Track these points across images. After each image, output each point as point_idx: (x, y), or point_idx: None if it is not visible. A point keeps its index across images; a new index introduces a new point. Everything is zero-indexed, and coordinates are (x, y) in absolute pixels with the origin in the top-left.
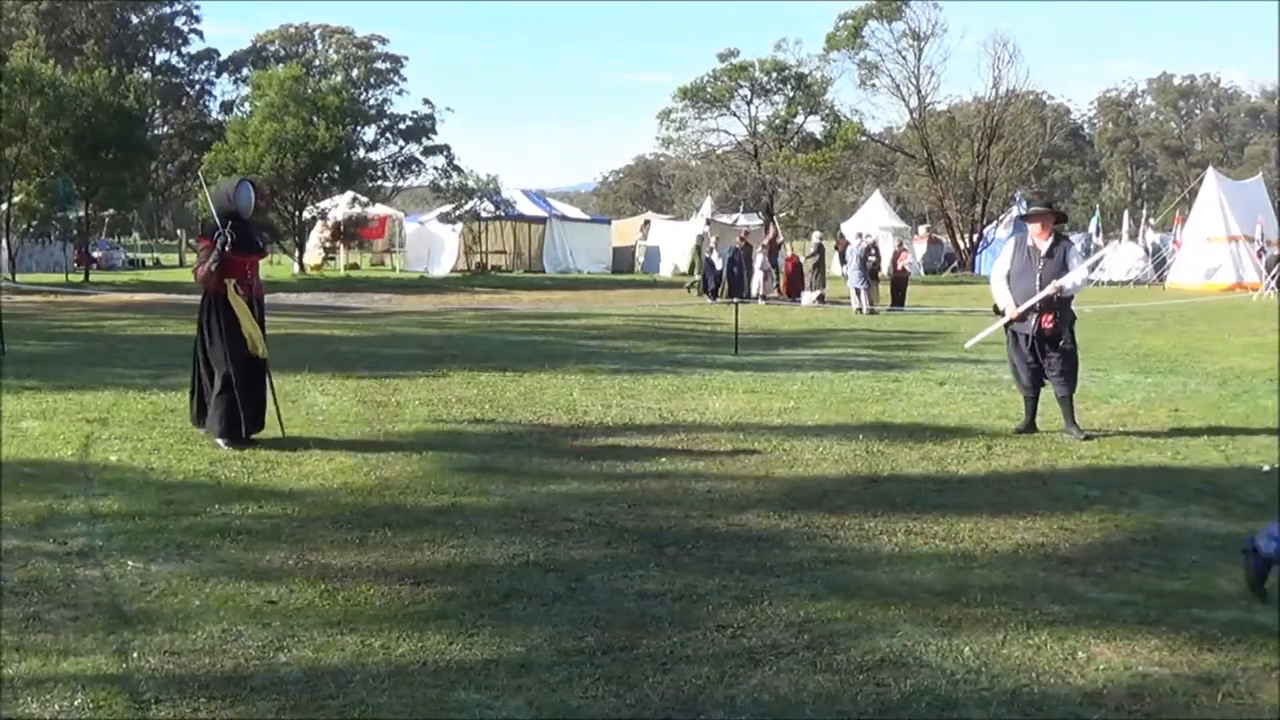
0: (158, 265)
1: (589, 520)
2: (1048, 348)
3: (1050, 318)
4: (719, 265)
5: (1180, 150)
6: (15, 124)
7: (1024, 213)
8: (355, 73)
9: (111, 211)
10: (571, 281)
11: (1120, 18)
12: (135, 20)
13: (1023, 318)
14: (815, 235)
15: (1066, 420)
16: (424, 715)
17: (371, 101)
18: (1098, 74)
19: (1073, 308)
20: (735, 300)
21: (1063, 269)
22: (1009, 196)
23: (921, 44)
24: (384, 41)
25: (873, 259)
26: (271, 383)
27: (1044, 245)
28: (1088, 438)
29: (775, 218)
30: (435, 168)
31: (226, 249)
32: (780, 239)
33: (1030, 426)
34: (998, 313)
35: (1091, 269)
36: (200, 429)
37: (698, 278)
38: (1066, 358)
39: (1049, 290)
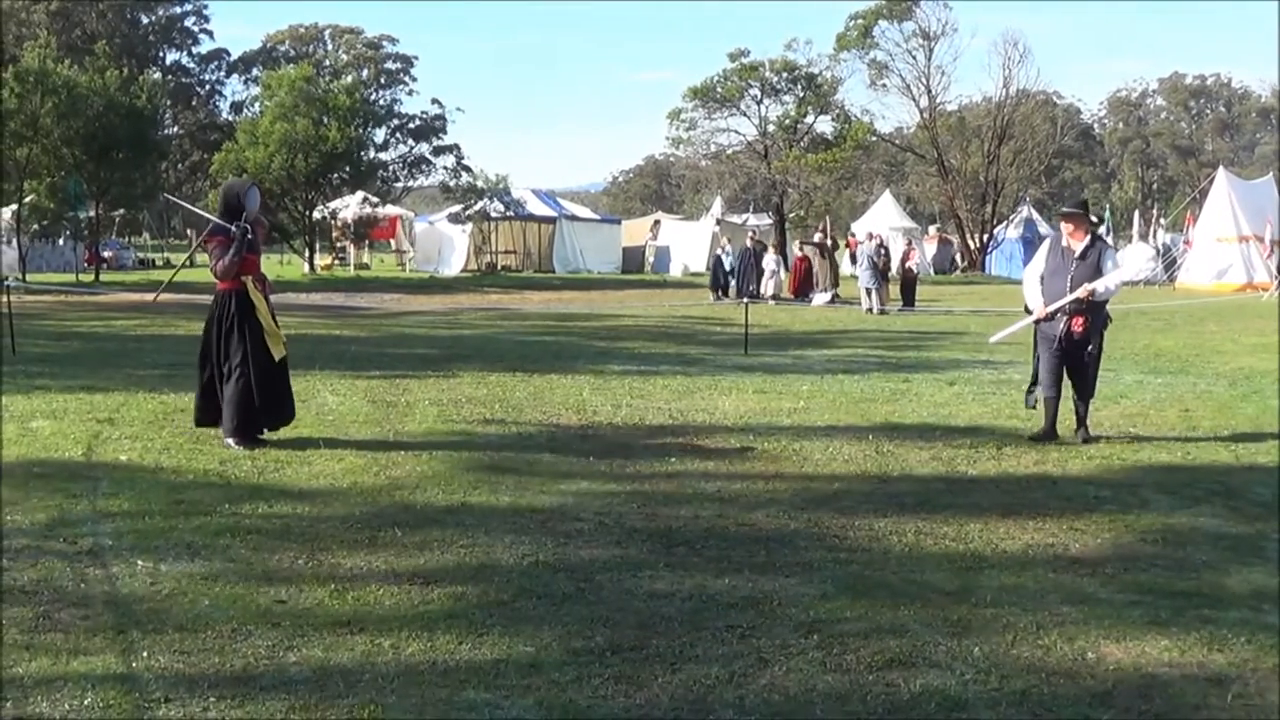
0: (168, 265)
1: (598, 520)
2: (1073, 351)
3: (1081, 321)
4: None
5: (1191, 150)
6: (27, 124)
7: (1064, 210)
8: (365, 73)
9: (122, 211)
10: (581, 282)
11: (1131, 18)
12: (145, 20)
13: (1051, 318)
14: (817, 236)
15: (1077, 422)
16: (433, 715)
17: (381, 102)
18: (1108, 74)
19: (1107, 310)
20: (745, 300)
21: (1096, 272)
22: (1019, 197)
23: (931, 44)
24: (394, 41)
25: (882, 259)
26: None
27: (1078, 247)
28: (1090, 440)
29: (827, 222)
30: (445, 168)
31: (249, 237)
32: (828, 239)
33: (1050, 433)
34: (1028, 312)
35: (1133, 275)
36: (205, 427)
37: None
38: (1090, 363)
39: (1080, 293)
